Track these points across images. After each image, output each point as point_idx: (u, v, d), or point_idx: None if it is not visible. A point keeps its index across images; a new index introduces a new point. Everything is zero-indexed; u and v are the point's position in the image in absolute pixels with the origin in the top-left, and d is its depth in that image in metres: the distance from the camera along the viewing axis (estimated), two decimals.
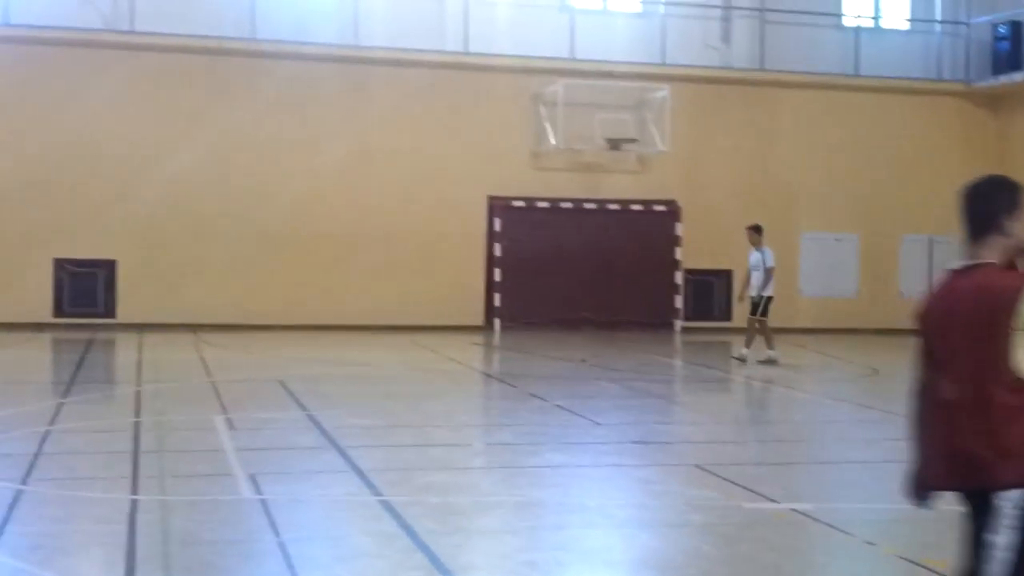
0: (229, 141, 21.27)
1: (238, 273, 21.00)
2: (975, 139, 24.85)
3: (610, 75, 22.49)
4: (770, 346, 17.29)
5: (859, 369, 17.73)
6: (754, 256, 17.49)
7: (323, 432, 10.57)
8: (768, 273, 17.27)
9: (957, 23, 25.03)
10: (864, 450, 10.87)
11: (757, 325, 17.35)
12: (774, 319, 22.95)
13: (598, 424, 11.66)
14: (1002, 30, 24.17)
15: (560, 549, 7.14)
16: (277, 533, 7.13)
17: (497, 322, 22.18)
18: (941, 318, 4.77)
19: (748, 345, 17.43)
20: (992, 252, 4.73)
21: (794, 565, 7.00)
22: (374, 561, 6.72)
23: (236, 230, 21.11)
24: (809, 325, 23.38)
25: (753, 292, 17.31)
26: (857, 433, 11.90)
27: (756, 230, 17.77)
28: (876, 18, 25.20)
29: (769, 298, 17.47)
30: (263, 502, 7.80)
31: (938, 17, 25.22)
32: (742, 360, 17.09)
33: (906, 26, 25.42)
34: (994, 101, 24.84)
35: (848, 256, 24.23)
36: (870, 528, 7.90)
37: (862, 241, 24.25)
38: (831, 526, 7.77)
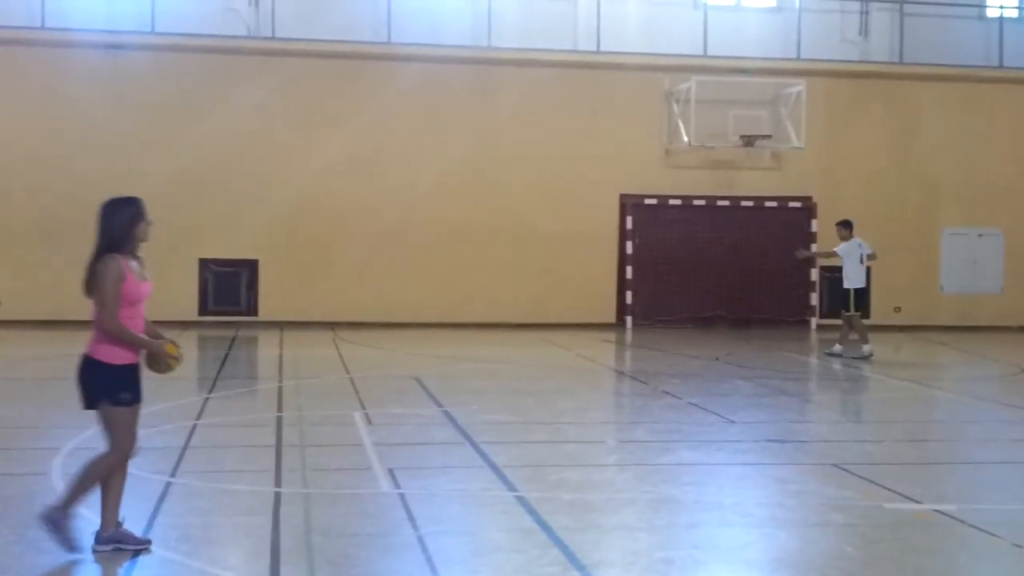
0: (364, 142, 21.66)
1: (374, 271, 21.39)
2: None
3: (743, 71, 22.24)
4: (864, 340, 17.19)
5: (1004, 367, 17.20)
6: (842, 247, 17.58)
7: (458, 428, 10.71)
8: (860, 263, 17.30)
9: None
10: (1010, 450, 10.56)
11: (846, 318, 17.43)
12: (916, 316, 22.62)
13: (732, 422, 11.55)
14: None
15: (695, 547, 7.11)
16: (416, 527, 7.25)
17: (629, 320, 22.13)
18: None
19: (843, 341, 17.53)
20: None
21: (939, 567, 6.85)
22: (511, 556, 6.78)
23: (372, 229, 21.48)
24: (952, 323, 22.76)
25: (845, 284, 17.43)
26: (1002, 433, 11.56)
27: (845, 226, 17.72)
28: (1020, 8, 24.39)
29: (858, 291, 17.24)
30: (401, 496, 7.94)
31: None
32: (836, 355, 17.20)
33: None
34: None
35: (992, 251, 23.51)
36: (1018, 530, 7.68)
37: (1006, 236, 23.50)
38: (977, 528, 7.58)
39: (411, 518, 7.40)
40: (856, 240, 17.53)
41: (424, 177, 21.63)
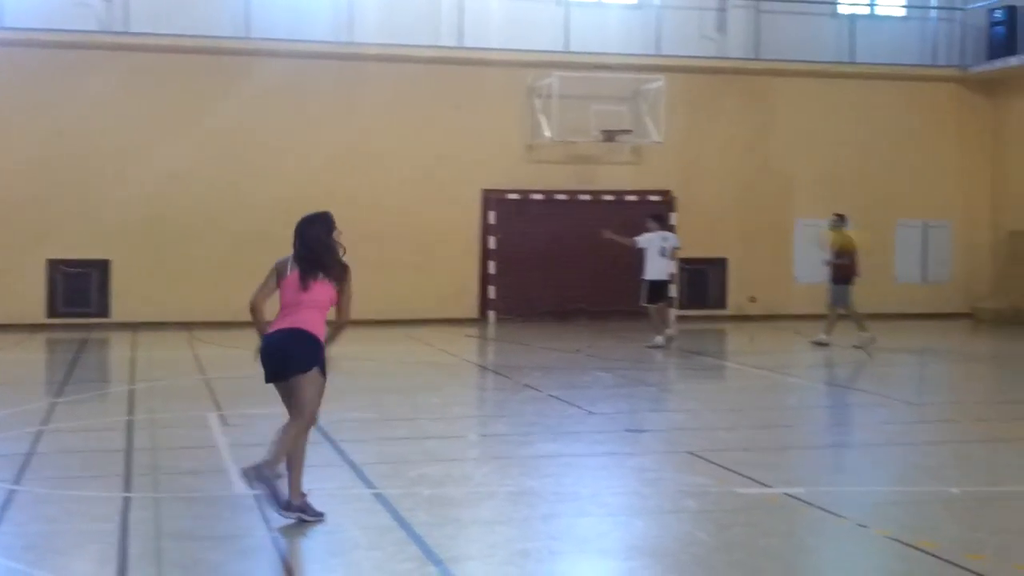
0: (222, 140, 21.25)
1: (232, 270, 20.90)
2: (970, 124, 24.83)
3: (605, 67, 22.46)
4: (658, 331, 17.73)
5: (855, 354, 17.72)
6: (644, 238, 17.94)
7: (317, 426, 10.57)
8: (662, 255, 17.82)
9: (952, 8, 24.96)
10: (857, 433, 10.91)
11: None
12: (772, 306, 23.18)
13: (592, 413, 11.67)
14: (997, 15, 24.09)
15: (552, 538, 7.17)
16: (270, 528, 7.15)
17: (492, 314, 22.18)
18: None
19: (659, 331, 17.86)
20: None
21: (787, 548, 7.02)
22: (368, 554, 6.74)
23: (229, 227, 21.08)
24: (806, 311, 23.33)
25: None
26: (851, 417, 11.94)
27: (655, 219, 18.29)
28: (871, 5, 25.15)
29: (655, 282, 17.80)
30: (256, 497, 7.81)
31: (933, 3, 25.18)
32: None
33: (901, 12, 25.37)
34: (989, 86, 24.78)
35: None
36: (862, 510, 7.92)
37: (856, 227, 24.13)
38: (824, 509, 7.79)
39: (266, 519, 7.29)
40: (661, 233, 17.80)
41: (286, 174, 21.32)
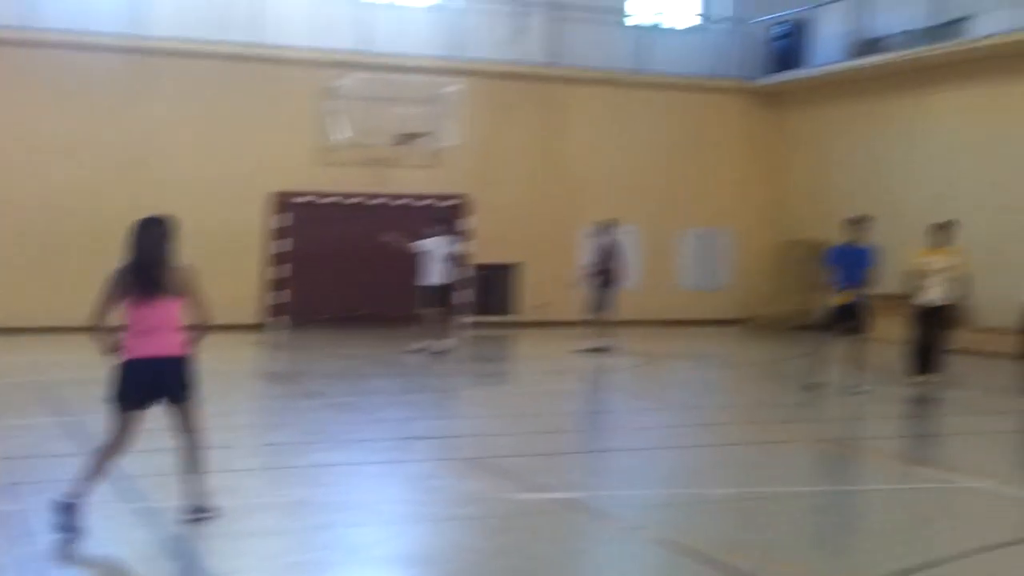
0: (1, 135, 20.25)
1: (8, 272, 19.99)
2: (755, 135, 25.75)
3: (403, 69, 22.36)
4: (434, 337, 17.54)
5: (637, 359, 18.14)
6: (428, 242, 17.82)
7: (86, 437, 10.15)
8: (444, 260, 17.75)
9: (738, 22, 25.87)
10: (635, 438, 11.14)
11: None
12: (563, 312, 23.50)
13: (375, 420, 11.59)
14: (781, 29, 25.09)
15: (326, 548, 7.07)
16: (34, 544, 6.83)
17: (281, 320, 21.76)
18: None
19: (440, 337, 17.66)
20: None
21: (560, 553, 7.10)
22: (133, 567, 6.51)
23: (7, 228, 20.08)
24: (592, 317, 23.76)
25: None
26: (629, 421, 12.18)
27: (439, 221, 18.20)
28: (660, 16, 25.82)
29: (436, 287, 17.70)
30: (22, 512, 7.46)
31: (719, 16, 26.03)
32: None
33: (688, 24, 26.13)
34: (773, 98, 25.76)
35: (631, 249, 24.65)
36: (635, 513, 8.10)
37: (644, 234, 24.80)
38: (599, 513, 7.94)
39: (29, 535, 6.96)
40: (447, 237, 17.83)
41: (70, 172, 20.44)
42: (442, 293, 17.82)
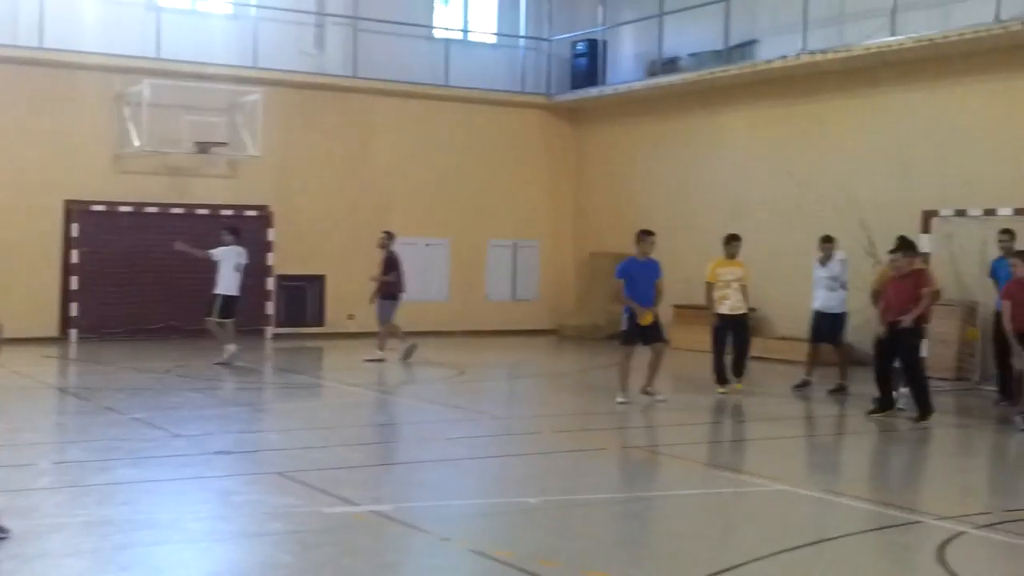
0: None
1: None
2: (556, 149, 26.16)
3: (200, 76, 21.79)
4: (227, 344, 17.28)
5: (447, 371, 18.16)
6: (218, 251, 17.53)
7: None
8: (236, 270, 17.46)
9: (539, 39, 26.23)
10: (446, 449, 11.09)
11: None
12: (370, 324, 23.26)
13: (179, 436, 11.21)
14: (580, 47, 25.58)
15: (125, 569, 6.77)
16: None
17: (74, 333, 20.88)
18: None
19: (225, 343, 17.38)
20: None
21: (370, 566, 6.98)
22: None
23: None
24: (404, 328, 23.64)
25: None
26: (441, 432, 12.13)
27: (230, 231, 17.84)
28: (465, 31, 25.96)
29: (228, 297, 17.41)
30: None
31: (522, 33, 26.34)
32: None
33: (493, 40, 26.36)
34: (573, 114, 26.23)
35: (440, 260, 24.81)
36: (445, 524, 8.05)
37: (452, 246, 24.90)
38: (409, 525, 7.85)
39: None
40: (236, 248, 17.51)
41: None
42: (231, 304, 17.36)
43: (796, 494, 9.32)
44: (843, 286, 15.63)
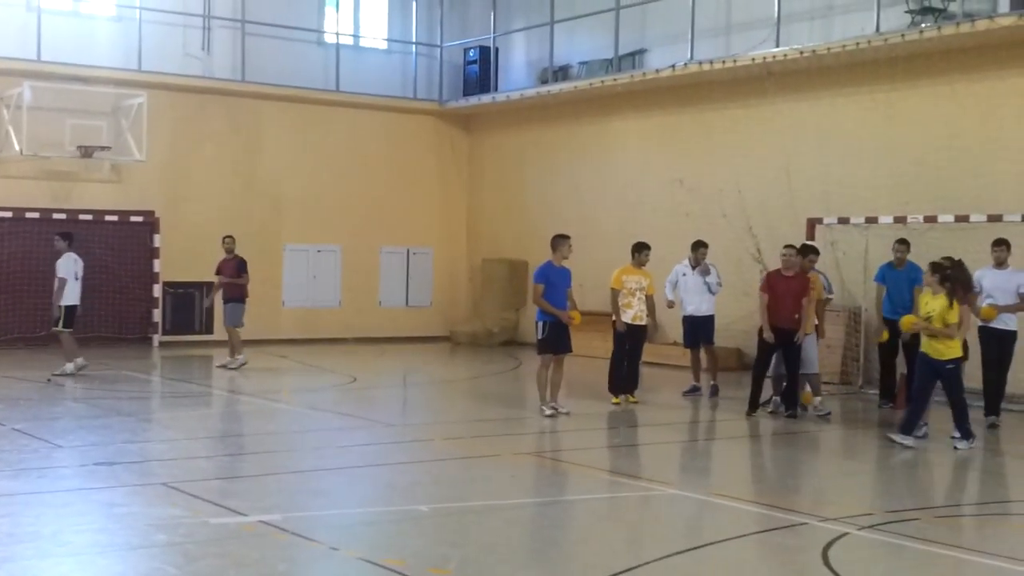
0: None
1: None
2: (448, 156, 26.14)
3: (82, 79, 21.28)
4: (69, 358, 16.67)
5: (340, 377, 18.00)
6: (59, 262, 16.67)
7: None
8: (76, 279, 16.78)
9: (432, 45, 26.17)
10: (337, 457, 10.98)
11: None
12: (261, 330, 22.96)
13: (59, 447, 10.91)
14: (472, 54, 25.58)
15: None
16: None
17: None
18: None
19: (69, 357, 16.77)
20: None
21: None
22: None
23: None
24: (293, 336, 23.45)
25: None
26: (332, 440, 12.00)
27: (63, 237, 16.97)
28: (356, 36, 25.76)
29: (69, 307, 16.68)
30: None
31: (413, 39, 26.25)
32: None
33: (384, 46, 26.22)
34: (466, 120, 26.23)
35: (331, 267, 24.60)
36: (335, 533, 7.96)
37: (344, 252, 24.71)
38: (297, 534, 7.74)
39: None
40: (73, 255, 16.81)
41: None
42: (73, 314, 16.73)
43: (685, 497, 9.42)
44: (712, 290, 15.81)
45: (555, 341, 13.63)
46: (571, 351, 13.96)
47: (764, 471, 11.65)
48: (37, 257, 20.84)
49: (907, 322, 12.21)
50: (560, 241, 13.85)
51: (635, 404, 14.90)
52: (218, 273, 18.77)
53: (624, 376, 15.00)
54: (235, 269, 18.45)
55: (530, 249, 23.17)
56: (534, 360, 14.32)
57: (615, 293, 14.82)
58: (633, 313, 14.79)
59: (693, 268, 15.87)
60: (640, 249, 15.07)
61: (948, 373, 11.78)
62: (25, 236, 21.01)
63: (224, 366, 18.27)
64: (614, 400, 14.91)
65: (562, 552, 7.71)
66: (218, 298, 18.90)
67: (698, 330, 15.88)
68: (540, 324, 13.63)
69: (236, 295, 18.50)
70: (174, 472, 9.86)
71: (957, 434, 11.97)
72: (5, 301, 20.94)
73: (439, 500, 9.05)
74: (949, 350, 11.71)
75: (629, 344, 14.94)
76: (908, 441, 11.82)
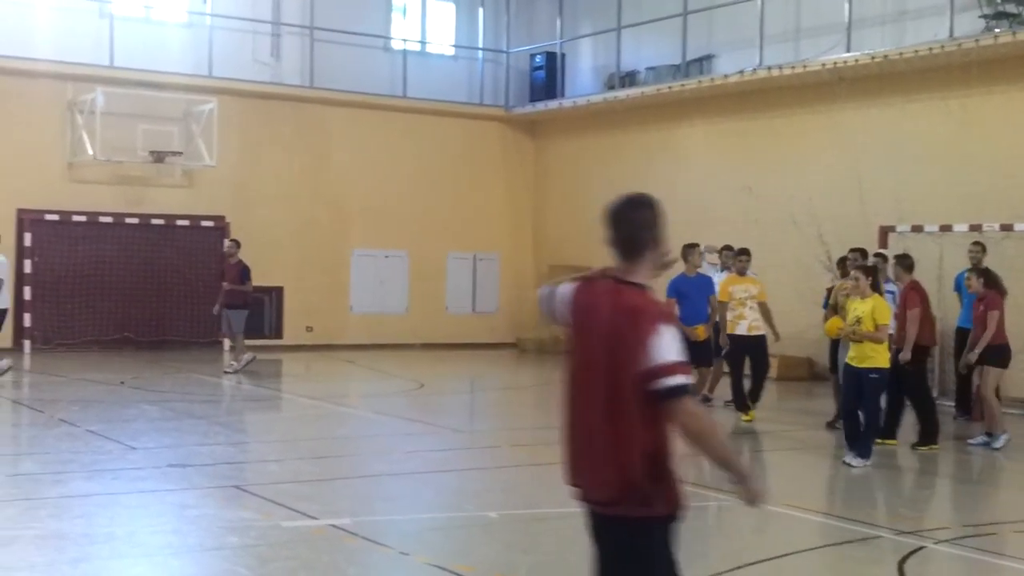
0: None
1: None
2: (514, 162, 26.16)
3: (153, 85, 21.59)
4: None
5: (406, 383, 18.08)
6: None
7: None
8: None
9: (498, 51, 26.23)
10: (405, 462, 11.01)
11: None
12: (327, 336, 23.12)
13: (133, 448, 11.06)
14: (538, 60, 25.60)
15: None
16: None
17: (28, 344, 20.57)
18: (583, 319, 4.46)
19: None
20: (643, 272, 4.44)
21: None
22: None
23: None
24: (361, 341, 23.59)
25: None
26: (399, 445, 12.05)
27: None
28: (423, 43, 25.90)
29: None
30: None
31: (480, 45, 26.33)
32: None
33: (451, 52, 26.33)
34: (531, 126, 26.24)
35: (398, 273, 24.71)
36: (405, 539, 7.98)
37: (411, 258, 24.81)
38: (367, 539, 7.77)
39: None
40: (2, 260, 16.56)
41: None
42: (3, 318, 16.45)
43: (757, 509, 9.30)
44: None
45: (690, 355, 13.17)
46: (710, 365, 13.56)
47: (835, 483, 11.48)
48: (111, 261, 21.19)
49: (832, 327, 11.66)
50: (689, 250, 13.35)
51: (748, 422, 13.72)
52: (222, 279, 18.76)
53: (744, 390, 13.77)
54: (238, 275, 18.41)
55: (596, 256, 23.00)
56: None
57: (723, 306, 13.77)
58: (748, 324, 13.76)
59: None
60: (739, 255, 14.11)
61: (871, 382, 10.93)
62: (99, 240, 21.33)
63: (228, 370, 18.09)
64: (744, 418, 13.74)
65: None
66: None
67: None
68: None
69: (239, 301, 18.39)
70: (245, 475, 9.96)
71: (852, 452, 11.11)
72: (79, 304, 21.25)
73: (508, 507, 9.05)
74: (877, 356, 10.93)
75: (750, 356, 13.80)
76: (858, 463, 11.02)
